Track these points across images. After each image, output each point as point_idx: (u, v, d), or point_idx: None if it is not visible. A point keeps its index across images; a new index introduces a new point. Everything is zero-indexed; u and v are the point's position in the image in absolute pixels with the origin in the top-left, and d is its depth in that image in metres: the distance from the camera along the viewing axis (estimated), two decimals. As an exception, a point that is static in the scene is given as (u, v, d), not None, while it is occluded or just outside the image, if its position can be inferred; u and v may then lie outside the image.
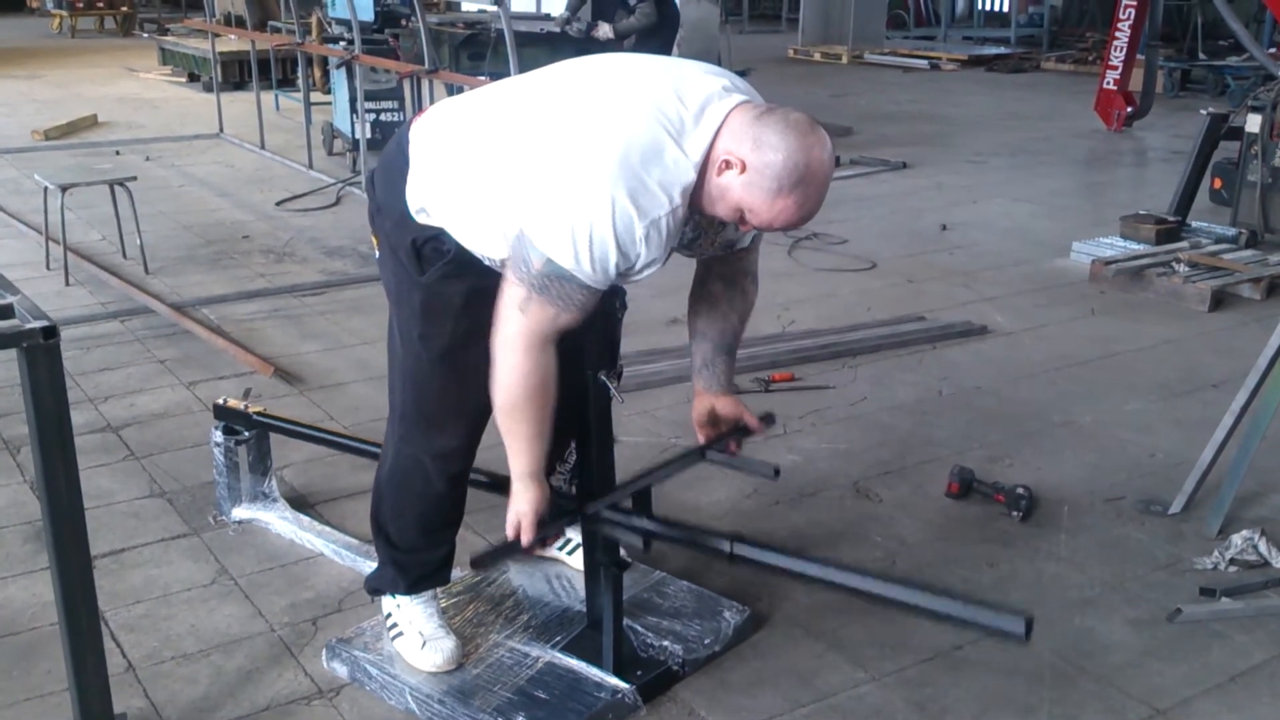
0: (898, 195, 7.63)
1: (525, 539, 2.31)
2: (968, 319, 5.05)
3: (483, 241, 2.23)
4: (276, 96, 10.63)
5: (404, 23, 8.32)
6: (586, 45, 7.38)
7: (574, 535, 2.93)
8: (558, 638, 2.67)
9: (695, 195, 2.10)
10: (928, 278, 5.74)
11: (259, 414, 3.30)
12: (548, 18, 9.50)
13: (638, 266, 2.10)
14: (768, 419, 2.64)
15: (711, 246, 2.37)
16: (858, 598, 2.35)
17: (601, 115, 2.10)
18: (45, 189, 5.69)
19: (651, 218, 2.04)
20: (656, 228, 2.05)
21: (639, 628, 2.69)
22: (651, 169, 2.04)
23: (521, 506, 2.30)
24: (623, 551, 2.61)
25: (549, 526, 2.36)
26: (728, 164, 2.06)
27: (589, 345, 2.47)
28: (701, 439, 2.60)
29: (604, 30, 7.47)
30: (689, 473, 3.56)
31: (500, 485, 2.81)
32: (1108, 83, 10.03)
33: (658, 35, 7.33)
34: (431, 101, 6.77)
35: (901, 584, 2.29)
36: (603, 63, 2.26)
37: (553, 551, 2.99)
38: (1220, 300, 5.32)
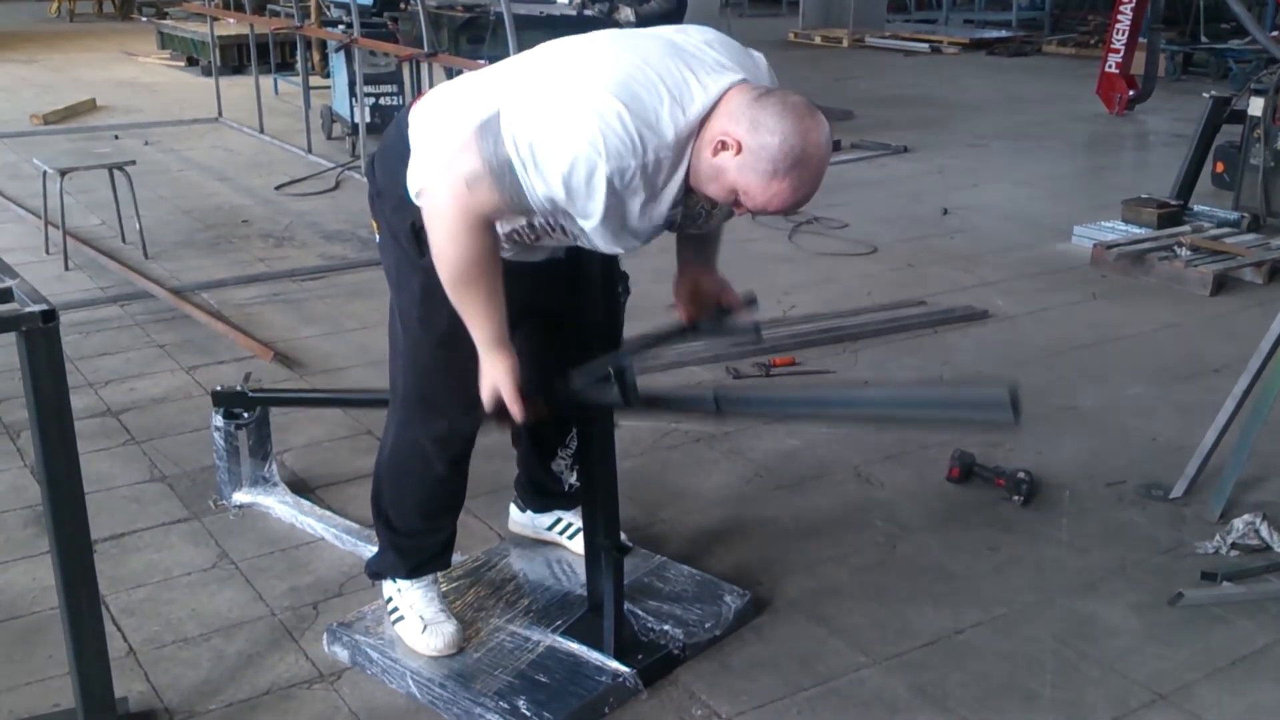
0: (898, 179, 7.61)
1: (514, 411, 2.24)
2: (968, 303, 5.04)
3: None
4: (275, 80, 10.59)
5: (403, 6, 8.29)
6: (586, 27, 7.35)
7: (574, 519, 2.92)
8: (558, 622, 2.67)
9: (688, 173, 2.07)
10: (928, 262, 5.73)
11: (255, 390, 3.28)
12: (549, 0, 9.45)
13: (593, 218, 2.04)
14: (751, 300, 2.57)
15: (707, 226, 2.36)
16: (843, 423, 2.31)
17: (593, 67, 2.07)
18: (44, 173, 5.67)
19: (617, 165, 1.99)
20: (621, 176, 2.00)
21: (640, 612, 2.69)
22: (632, 120, 1.99)
23: (498, 376, 2.23)
24: (623, 536, 2.61)
25: (531, 398, 2.27)
26: (723, 145, 2.03)
27: (591, 331, 2.46)
28: (683, 318, 2.54)
29: (625, 13, 7.44)
30: (687, 459, 3.60)
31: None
32: (1109, 66, 9.98)
33: (671, 20, 7.34)
34: (431, 85, 6.74)
35: (881, 395, 2.24)
36: (599, 35, 2.24)
37: (554, 536, 2.99)
38: (1222, 284, 5.31)
